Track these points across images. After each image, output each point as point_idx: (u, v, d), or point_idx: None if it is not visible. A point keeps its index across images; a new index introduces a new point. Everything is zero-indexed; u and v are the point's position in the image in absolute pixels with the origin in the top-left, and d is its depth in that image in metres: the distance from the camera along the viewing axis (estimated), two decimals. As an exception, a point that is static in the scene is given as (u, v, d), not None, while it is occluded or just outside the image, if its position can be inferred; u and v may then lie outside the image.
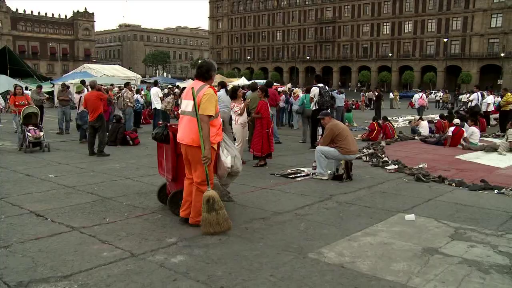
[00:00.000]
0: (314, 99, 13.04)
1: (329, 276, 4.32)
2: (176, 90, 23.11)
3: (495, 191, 8.01)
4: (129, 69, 52.08)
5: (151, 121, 19.72)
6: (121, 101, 17.04)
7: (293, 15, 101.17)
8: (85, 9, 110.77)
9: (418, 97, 26.17)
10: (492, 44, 77.88)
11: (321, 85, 13.18)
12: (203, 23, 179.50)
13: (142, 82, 39.61)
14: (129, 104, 16.98)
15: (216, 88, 6.31)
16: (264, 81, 19.14)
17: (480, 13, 77.80)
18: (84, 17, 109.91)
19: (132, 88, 18.81)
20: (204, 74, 5.74)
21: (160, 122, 12.01)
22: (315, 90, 13.18)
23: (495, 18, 77.29)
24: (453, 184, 8.50)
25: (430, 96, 49.76)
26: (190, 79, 54.61)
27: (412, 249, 5.11)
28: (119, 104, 17.18)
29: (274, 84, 24.45)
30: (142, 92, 22.03)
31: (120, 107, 17.05)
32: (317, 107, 12.80)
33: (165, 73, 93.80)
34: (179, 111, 6.08)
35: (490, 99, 21.52)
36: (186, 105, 5.70)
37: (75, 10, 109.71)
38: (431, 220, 6.23)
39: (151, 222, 6.01)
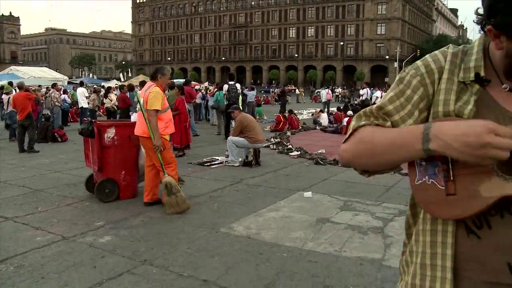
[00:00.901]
0: (226, 94, 13.49)
1: (238, 245, 4.59)
2: (102, 89, 22.49)
3: (378, 170, 8.64)
4: (56, 71, 49.62)
5: (78, 119, 19.15)
6: (49, 101, 16.42)
7: (209, 20, 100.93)
8: (10, 13, 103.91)
9: (325, 93, 27.40)
10: (379, 48, 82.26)
11: (231, 82, 13.53)
12: (127, 27, 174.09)
13: (69, 83, 37.94)
14: (56, 103, 16.40)
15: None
16: (183, 80, 19.11)
17: (368, 22, 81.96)
18: (10, 21, 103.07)
19: (59, 89, 18.17)
20: (152, 75, 6.24)
21: (86, 119, 11.76)
22: (225, 87, 13.58)
23: (380, 27, 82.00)
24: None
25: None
26: (114, 79, 53.05)
27: (308, 220, 5.49)
28: (47, 103, 16.53)
29: (193, 82, 24.46)
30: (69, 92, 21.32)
31: (48, 107, 16.42)
32: (227, 102, 13.18)
33: (91, 74, 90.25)
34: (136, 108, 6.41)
35: (378, 93, 22.71)
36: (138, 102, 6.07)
37: (0, 14, 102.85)
38: (325, 196, 6.67)
39: (80, 209, 6.00)
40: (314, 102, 42.37)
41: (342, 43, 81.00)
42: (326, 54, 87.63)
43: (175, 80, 17.29)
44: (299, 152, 10.61)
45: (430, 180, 1.08)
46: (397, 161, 1.09)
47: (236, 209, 5.94)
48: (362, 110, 1.21)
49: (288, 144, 12.05)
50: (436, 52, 1.19)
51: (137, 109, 6.31)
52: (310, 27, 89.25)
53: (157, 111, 5.81)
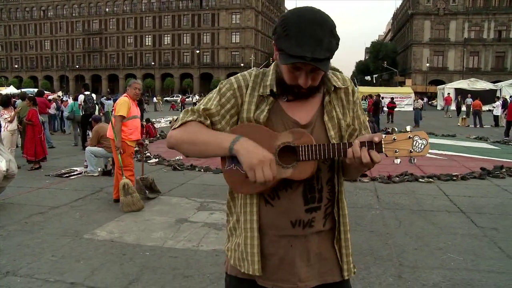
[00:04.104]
0: (81, 105, 13.36)
1: (102, 249, 4.83)
2: None
3: (232, 172, 9.31)
4: None
5: None
6: None
7: (61, 25, 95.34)
8: None
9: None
10: (234, 56, 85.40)
11: (87, 93, 13.43)
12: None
13: None
14: None
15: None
16: (34, 89, 18.13)
17: (223, 30, 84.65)
18: None
19: None
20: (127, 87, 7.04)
21: None
22: (81, 98, 13.43)
23: (234, 35, 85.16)
24: (202, 170, 9.61)
25: (188, 99, 52.50)
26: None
27: (167, 221, 5.90)
28: None
29: (46, 92, 23.23)
30: None
31: None
32: (83, 113, 13.10)
33: None
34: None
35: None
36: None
37: None
38: (183, 199, 7.12)
39: None
40: (173, 110, 42.63)
41: (198, 51, 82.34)
42: (183, 62, 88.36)
43: (26, 90, 16.39)
44: (157, 160, 10.91)
45: (236, 166, 1.57)
46: (211, 153, 1.55)
47: (98, 216, 6.11)
48: (190, 107, 1.64)
49: (146, 152, 12.24)
50: (245, 72, 1.68)
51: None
52: (166, 35, 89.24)
53: (122, 117, 6.54)
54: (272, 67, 1.66)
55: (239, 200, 1.68)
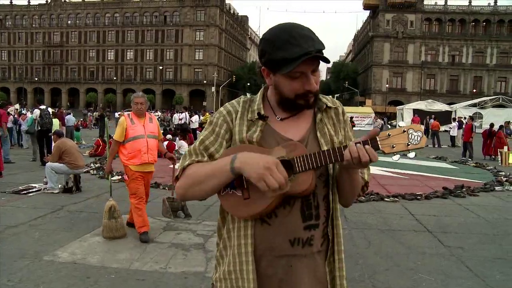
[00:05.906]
0: (37, 120, 12.95)
1: (64, 272, 4.57)
2: None
3: (198, 190, 9.15)
4: None
5: None
6: None
7: (20, 36, 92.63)
8: None
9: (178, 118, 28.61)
10: (197, 72, 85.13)
11: (43, 107, 13.10)
12: None
13: None
14: None
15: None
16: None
17: (187, 47, 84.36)
18: None
19: None
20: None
21: None
22: (36, 112, 13.04)
23: (198, 52, 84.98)
24: (166, 188, 9.38)
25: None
26: None
27: (132, 241, 5.67)
28: None
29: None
30: None
31: None
32: (39, 128, 12.76)
33: None
34: None
35: (195, 118, 23.55)
36: None
37: None
38: (149, 218, 6.86)
39: None
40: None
41: (161, 67, 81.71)
42: (145, 78, 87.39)
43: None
44: (120, 177, 10.59)
45: (231, 190, 1.49)
46: (217, 184, 1.45)
47: (59, 236, 5.81)
48: (187, 149, 1.60)
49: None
50: (233, 101, 1.66)
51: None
52: (129, 50, 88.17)
53: (117, 141, 5.85)
54: (259, 93, 1.66)
55: (232, 223, 1.58)
